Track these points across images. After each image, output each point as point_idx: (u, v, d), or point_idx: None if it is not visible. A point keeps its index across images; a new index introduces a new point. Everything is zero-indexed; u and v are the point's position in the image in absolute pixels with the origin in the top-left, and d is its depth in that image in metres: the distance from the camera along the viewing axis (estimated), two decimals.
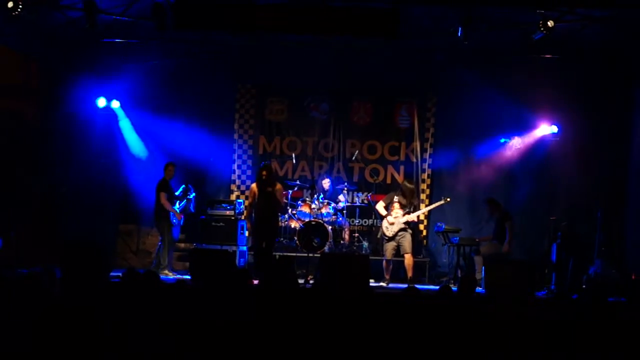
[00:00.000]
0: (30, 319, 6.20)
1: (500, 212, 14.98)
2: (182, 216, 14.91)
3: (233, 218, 15.19)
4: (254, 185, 14.08)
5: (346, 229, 15.93)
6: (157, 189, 14.70)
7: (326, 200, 15.61)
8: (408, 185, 14.72)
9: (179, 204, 14.89)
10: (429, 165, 16.76)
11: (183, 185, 15.15)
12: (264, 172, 13.79)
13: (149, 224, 16.08)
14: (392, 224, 14.38)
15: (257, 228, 13.98)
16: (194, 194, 15.20)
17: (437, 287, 9.72)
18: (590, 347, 6.75)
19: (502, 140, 16.25)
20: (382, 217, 14.72)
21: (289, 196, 15.72)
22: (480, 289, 13.79)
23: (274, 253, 14.34)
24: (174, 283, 7.81)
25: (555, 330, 7.09)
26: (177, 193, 14.99)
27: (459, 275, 14.82)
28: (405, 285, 13.27)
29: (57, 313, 6.37)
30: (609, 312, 7.98)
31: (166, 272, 14.25)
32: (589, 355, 6.74)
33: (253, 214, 13.99)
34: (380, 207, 14.73)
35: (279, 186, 14.04)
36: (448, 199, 15.01)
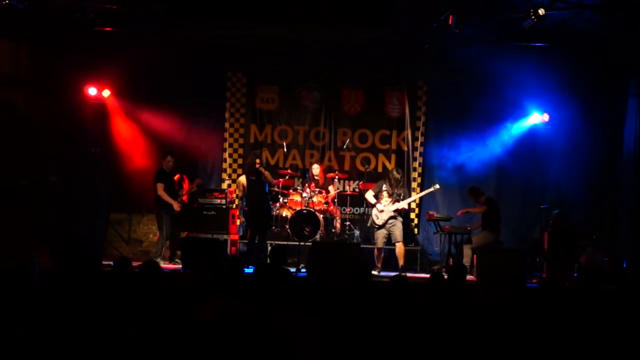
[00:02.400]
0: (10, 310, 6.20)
1: (484, 200, 15.03)
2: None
3: (224, 207, 15.14)
4: (242, 178, 14.27)
5: (337, 218, 15.92)
6: (155, 180, 14.70)
7: (317, 189, 15.59)
8: (395, 174, 14.63)
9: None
10: (420, 153, 16.76)
11: (179, 175, 15.16)
12: (257, 161, 14.06)
13: (140, 212, 16.09)
14: (381, 212, 14.35)
15: (251, 218, 14.17)
16: (182, 187, 15.20)
17: (429, 275, 9.71)
18: (582, 334, 6.77)
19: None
20: (372, 206, 14.71)
21: (280, 185, 15.70)
22: (470, 276, 13.86)
23: (266, 242, 14.47)
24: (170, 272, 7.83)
25: (547, 317, 7.10)
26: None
27: (450, 264, 14.86)
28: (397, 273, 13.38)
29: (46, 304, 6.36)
30: (601, 299, 8.00)
31: (159, 260, 14.22)
32: (580, 343, 6.75)
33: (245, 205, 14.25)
34: (369, 195, 14.70)
35: (266, 173, 14.32)
36: (437, 186, 14.98)
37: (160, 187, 14.61)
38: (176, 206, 14.75)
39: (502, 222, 15.07)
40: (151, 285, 7.21)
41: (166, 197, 14.64)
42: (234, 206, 15.55)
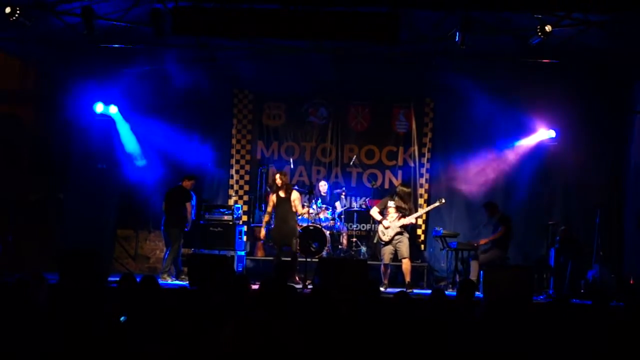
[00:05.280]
0: (16, 325, 6.20)
1: (499, 216, 14.97)
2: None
3: (231, 223, 15.16)
4: (272, 195, 14.27)
5: (344, 234, 15.90)
6: (183, 199, 14.72)
7: (324, 205, 15.59)
8: (404, 189, 14.59)
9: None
10: (427, 170, 16.76)
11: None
12: (277, 177, 14.18)
13: (147, 229, 16.09)
14: (387, 228, 14.28)
15: (275, 234, 14.10)
16: (195, 201, 15.30)
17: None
18: (589, 352, 6.76)
19: None
20: (377, 222, 14.66)
21: None
22: (477, 293, 13.83)
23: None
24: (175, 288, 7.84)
25: (553, 333, 7.08)
26: None
27: (457, 280, 14.82)
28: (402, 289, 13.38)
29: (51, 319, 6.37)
30: (609, 316, 7.98)
31: (165, 276, 14.24)
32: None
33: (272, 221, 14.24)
34: (374, 212, 14.60)
35: (295, 194, 14.14)
36: (443, 201, 14.87)
37: (189, 206, 14.71)
38: (189, 226, 14.87)
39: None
40: (150, 300, 7.22)
41: (189, 217, 14.73)
42: (241, 222, 15.59)
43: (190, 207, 14.77)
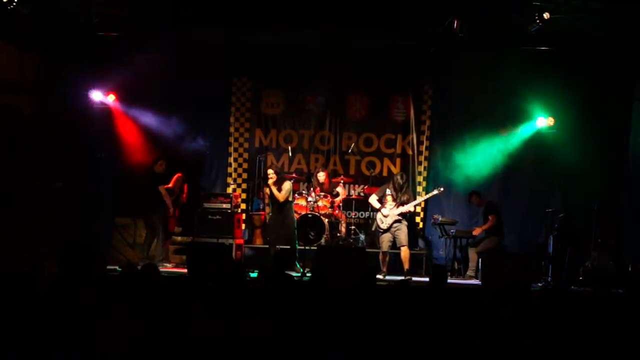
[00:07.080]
0: (18, 314, 6.21)
1: (484, 203, 15.01)
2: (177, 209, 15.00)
3: (230, 211, 15.13)
4: (265, 187, 14.47)
5: (342, 222, 15.89)
6: (155, 183, 14.72)
7: (322, 193, 15.58)
8: (399, 179, 14.53)
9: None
10: (425, 157, 16.74)
11: (180, 175, 15.16)
12: (269, 173, 14.30)
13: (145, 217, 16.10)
14: (386, 216, 14.29)
15: (268, 227, 14.16)
16: (182, 190, 15.31)
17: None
18: (588, 338, 6.76)
19: None
20: (376, 210, 14.67)
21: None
22: (476, 281, 13.89)
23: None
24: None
25: (552, 321, 7.09)
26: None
27: (456, 268, 14.91)
28: (402, 278, 13.47)
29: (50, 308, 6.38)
30: (608, 303, 7.99)
31: (164, 264, 14.26)
32: (586, 347, 6.74)
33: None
34: (373, 200, 14.62)
35: (287, 185, 14.30)
36: (441, 189, 14.89)
37: (164, 190, 14.69)
38: (171, 211, 14.85)
39: (508, 226, 15.07)
40: (152, 288, 7.22)
41: (168, 201, 14.71)
42: (239, 210, 15.58)
43: (164, 190, 14.75)
